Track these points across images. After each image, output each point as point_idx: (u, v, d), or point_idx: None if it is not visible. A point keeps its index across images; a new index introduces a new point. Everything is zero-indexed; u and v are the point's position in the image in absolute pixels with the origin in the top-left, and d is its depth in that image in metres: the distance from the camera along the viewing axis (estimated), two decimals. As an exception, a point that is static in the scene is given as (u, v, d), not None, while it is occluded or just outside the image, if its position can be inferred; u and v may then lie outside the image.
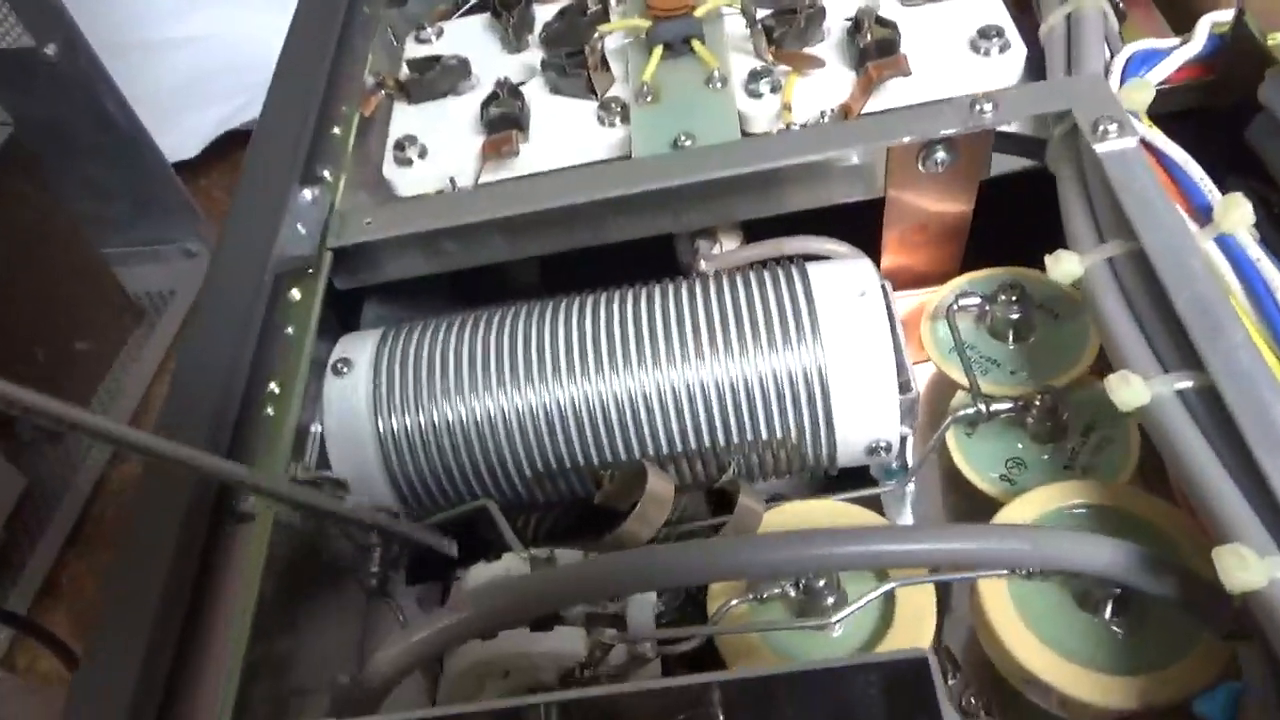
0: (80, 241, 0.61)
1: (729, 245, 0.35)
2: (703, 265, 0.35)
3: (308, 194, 0.32)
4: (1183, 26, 0.36)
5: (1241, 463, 0.22)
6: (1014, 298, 0.32)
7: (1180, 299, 0.25)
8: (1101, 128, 0.28)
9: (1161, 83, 0.32)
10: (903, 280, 0.36)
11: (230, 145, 0.76)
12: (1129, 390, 0.24)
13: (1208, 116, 0.34)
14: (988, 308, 0.32)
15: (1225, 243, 0.26)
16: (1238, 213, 0.26)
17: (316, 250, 0.31)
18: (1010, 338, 0.32)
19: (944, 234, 0.35)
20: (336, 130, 0.36)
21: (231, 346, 0.28)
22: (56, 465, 0.59)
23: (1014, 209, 0.34)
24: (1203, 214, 0.27)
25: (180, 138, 0.71)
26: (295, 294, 0.30)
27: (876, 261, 0.36)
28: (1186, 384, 0.24)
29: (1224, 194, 0.33)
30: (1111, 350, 0.26)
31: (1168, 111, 0.33)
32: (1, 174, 0.53)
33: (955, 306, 0.32)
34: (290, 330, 0.29)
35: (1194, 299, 0.24)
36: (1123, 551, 0.23)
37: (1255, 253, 0.25)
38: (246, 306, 0.29)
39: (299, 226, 0.31)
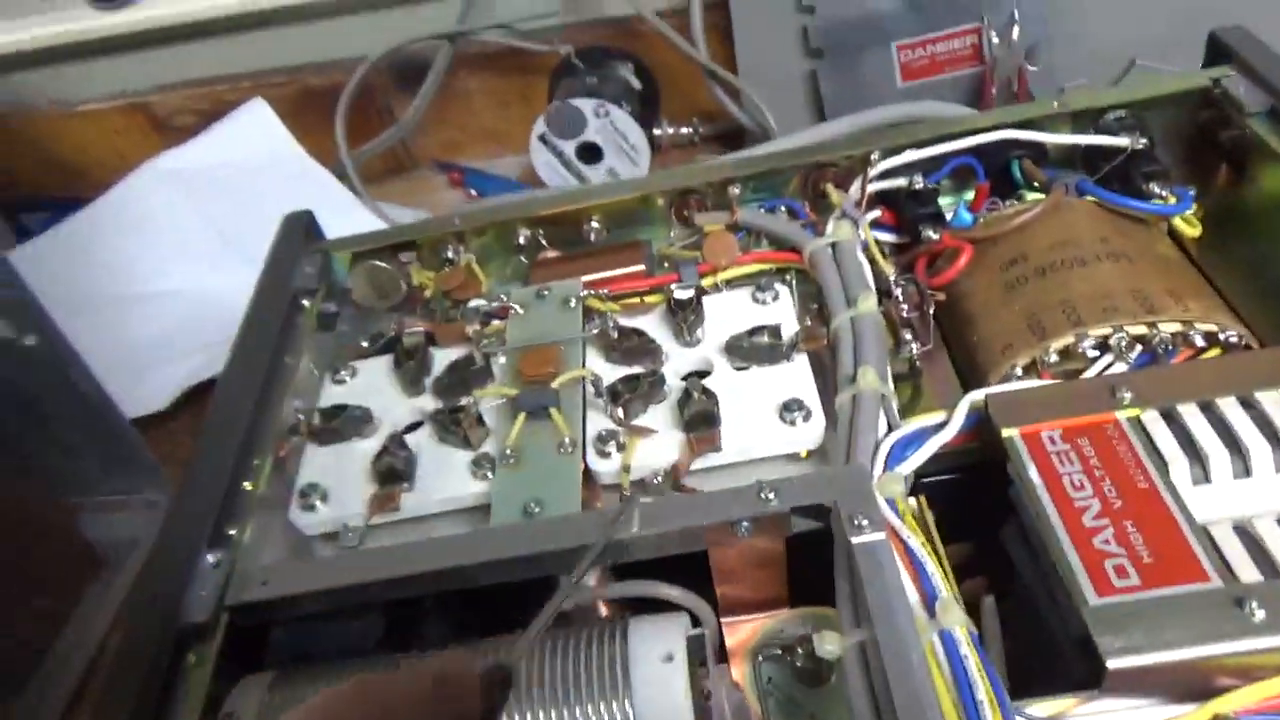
0: (50, 505, 0.67)
1: (590, 579, 0.41)
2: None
3: (210, 558, 0.38)
4: (975, 382, 0.43)
5: None
6: (810, 646, 0.37)
7: (898, 693, 0.30)
8: (857, 521, 0.34)
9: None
10: (737, 606, 0.42)
11: (195, 391, 0.82)
12: (854, 784, 0.29)
13: (981, 469, 0.40)
14: (789, 656, 0.38)
15: (945, 637, 0.32)
16: (952, 614, 0.32)
17: (213, 613, 0.36)
18: (810, 682, 0.38)
19: (764, 574, 0.41)
20: (247, 485, 0.42)
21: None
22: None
23: (826, 553, 0.40)
24: (933, 605, 0.33)
25: (151, 391, 0.78)
26: (191, 658, 0.35)
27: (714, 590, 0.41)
28: (898, 779, 0.29)
29: (1001, 538, 0.39)
30: (853, 737, 0.31)
31: (943, 469, 0.40)
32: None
33: (761, 656, 0.38)
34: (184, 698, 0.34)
35: (908, 695, 0.30)
36: None
37: (965, 650, 0.31)
38: (147, 673, 0.34)
39: (200, 592, 0.37)
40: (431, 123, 0.95)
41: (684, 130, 0.91)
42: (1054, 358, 0.41)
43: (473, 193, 0.94)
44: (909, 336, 0.45)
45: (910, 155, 0.49)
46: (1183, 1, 0.75)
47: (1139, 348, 0.40)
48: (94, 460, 0.72)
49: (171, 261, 0.84)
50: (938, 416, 0.39)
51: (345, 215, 0.87)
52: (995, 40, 0.76)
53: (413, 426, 0.45)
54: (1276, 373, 0.37)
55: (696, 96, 0.89)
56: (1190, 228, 0.46)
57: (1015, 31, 0.75)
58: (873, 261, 0.47)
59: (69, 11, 0.94)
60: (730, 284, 0.49)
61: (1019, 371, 0.41)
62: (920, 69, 0.80)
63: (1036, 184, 0.49)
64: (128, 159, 0.98)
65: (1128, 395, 0.36)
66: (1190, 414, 0.36)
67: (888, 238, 0.50)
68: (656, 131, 0.90)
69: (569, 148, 0.85)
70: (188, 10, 0.92)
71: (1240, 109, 0.46)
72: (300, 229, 0.52)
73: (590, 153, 0.85)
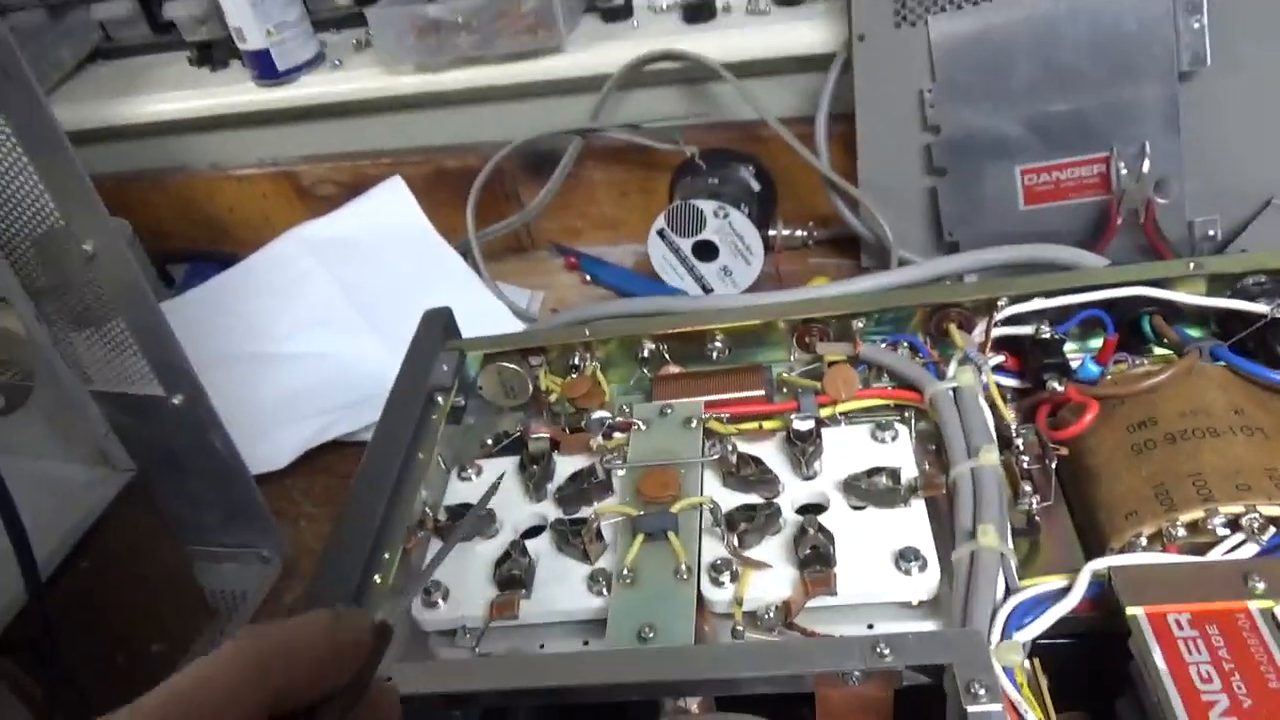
0: (174, 554, 0.71)
1: (692, 705, 0.42)
2: (663, 723, 0.41)
3: (342, 651, 0.40)
4: (1095, 544, 0.43)
5: None
6: (912, 807, 0.37)
7: None
8: (973, 688, 0.34)
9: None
10: (837, 749, 0.42)
11: (315, 451, 0.86)
12: None
13: (1099, 637, 0.40)
14: (890, 814, 0.38)
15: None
16: (1069, 803, 0.31)
17: (342, 705, 0.38)
18: (909, 842, 0.37)
19: (868, 719, 0.41)
20: (377, 578, 0.44)
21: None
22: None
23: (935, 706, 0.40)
24: (1050, 786, 0.33)
25: (273, 450, 0.82)
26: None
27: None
28: None
29: (1116, 711, 0.39)
30: None
31: (1060, 633, 0.39)
32: (123, 511, 0.64)
33: (860, 810, 0.38)
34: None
35: None
36: None
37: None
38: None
39: (332, 682, 0.39)
40: (554, 208, 0.99)
41: (799, 233, 0.93)
42: (1181, 531, 0.40)
43: (587, 277, 0.97)
44: (1029, 489, 0.45)
45: (1039, 303, 0.50)
46: (1325, 142, 0.74)
47: (1272, 529, 0.39)
48: (218, 513, 0.76)
49: (304, 325, 0.89)
50: (1059, 581, 0.39)
51: (466, 293, 0.92)
52: (1124, 171, 0.75)
53: (533, 531, 0.47)
54: None
55: (814, 201, 0.91)
56: (1332, 403, 0.45)
57: (1146, 164, 0.75)
58: (994, 407, 0.47)
59: (234, 86, 1.01)
60: (848, 416, 0.49)
61: (1143, 541, 0.41)
62: (1043, 194, 0.80)
63: (1167, 342, 0.49)
64: (271, 221, 1.05)
65: (1261, 585, 0.36)
66: (1327, 611, 0.35)
67: (1010, 383, 0.50)
68: (772, 232, 0.92)
69: (686, 245, 0.88)
70: (338, 90, 0.99)
71: (1388, 285, 0.45)
72: (439, 326, 0.55)
73: (706, 250, 0.88)
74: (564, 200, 0.99)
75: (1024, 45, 0.75)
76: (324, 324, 0.89)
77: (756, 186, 0.93)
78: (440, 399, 0.53)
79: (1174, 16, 0.72)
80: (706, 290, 0.90)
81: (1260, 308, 0.47)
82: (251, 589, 0.76)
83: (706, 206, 0.85)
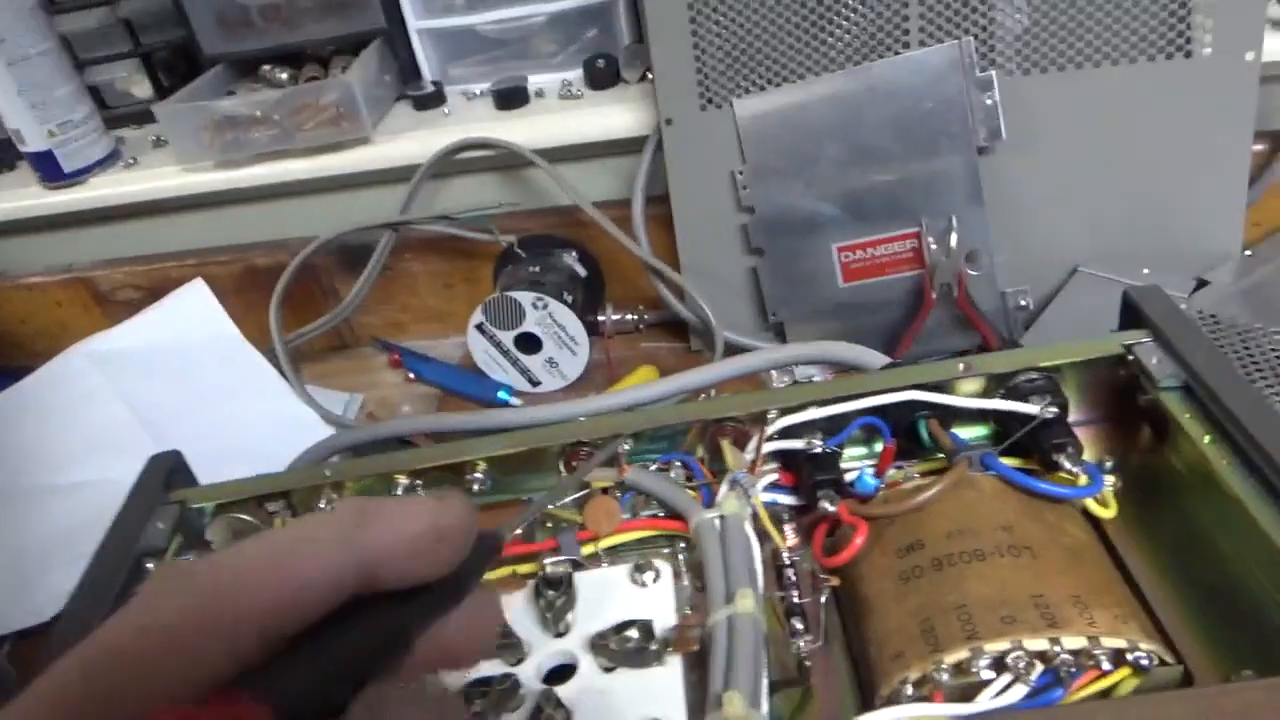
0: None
1: None
2: None
3: None
4: (867, 684, 0.39)
5: None
6: None
7: None
8: None
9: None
10: None
11: (97, 593, 0.76)
12: None
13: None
14: None
15: None
16: None
17: None
18: None
19: None
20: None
21: None
22: None
23: None
24: None
25: (42, 598, 0.73)
26: None
27: None
28: None
29: None
30: None
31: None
32: None
33: None
34: None
35: None
36: None
37: None
38: None
39: None
40: (376, 302, 0.94)
41: (629, 317, 0.89)
42: (946, 676, 0.36)
43: (410, 375, 0.92)
44: (800, 626, 0.41)
45: (811, 414, 0.46)
46: (1124, 210, 0.74)
47: (1040, 666, 0.36)
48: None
49: (84, 452, 0.81)
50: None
51: (275, 401, 0.85)
52: (934, 245, 0.74)
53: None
54: None
55: (641, 284, 0.88)
56: (1103, 509, 0.43)
57: (954, 238, 0.74)
58: (766, 535, 0.43)
59: (18, 190, 0.94)
60: (613, 553, 0.45)
61: (909, 689, 0.37)
62: (861, 270, 0.78)
63: (942, 450, 0.46)
64: (69, 329, 0.97)
65: (1015, 745, 0.32)
66: (1087, 772, 0.32)
67: (790, 500, 0.46)
68: (601, 318, 0.88)
69: (507, 338, 0.83)
70: (133, 190, 0.93)
71: (1153, 381, 0.43)
72: (159, 476, 0.49)
73: (529, 342, 0.83)
74: (385, 294, 0.94)
75: (828, 124, 0.74)
76: (107, 448, 0.81)
77: (582, 272, 0.89)
78: (151, 565, 0.46)
79: (967, 94, 0.71)
80: (534, 383, 0.86)
81: (1030, 409, 0.44)
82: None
83: (524, 298, 0.81)
